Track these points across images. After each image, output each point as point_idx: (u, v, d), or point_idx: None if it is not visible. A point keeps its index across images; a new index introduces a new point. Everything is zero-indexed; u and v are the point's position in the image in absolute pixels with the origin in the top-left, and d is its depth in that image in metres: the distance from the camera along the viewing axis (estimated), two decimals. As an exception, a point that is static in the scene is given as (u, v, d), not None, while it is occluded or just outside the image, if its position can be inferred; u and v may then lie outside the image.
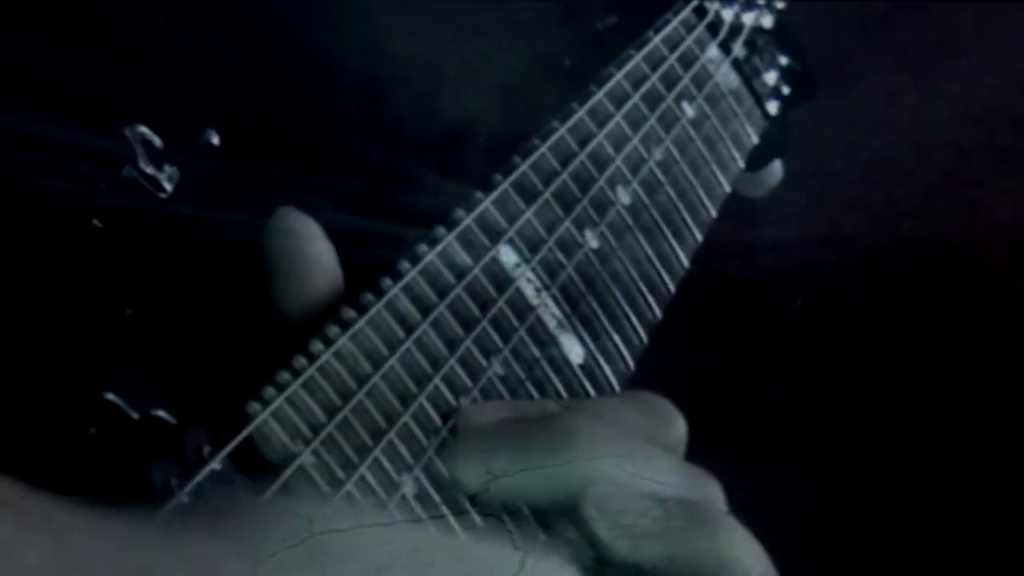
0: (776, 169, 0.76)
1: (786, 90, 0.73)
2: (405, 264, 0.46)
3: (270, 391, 0.40)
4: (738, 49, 0.69)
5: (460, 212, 0.49)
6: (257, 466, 0.39)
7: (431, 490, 0.42)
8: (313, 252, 0.45)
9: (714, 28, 0.68)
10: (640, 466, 0.42)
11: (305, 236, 0.45)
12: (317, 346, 0.42)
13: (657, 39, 0.62)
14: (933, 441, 1.02)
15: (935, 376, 1.03)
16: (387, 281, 0.45)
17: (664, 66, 0.62)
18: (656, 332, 0.54)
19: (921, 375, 1.04)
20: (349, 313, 0.43)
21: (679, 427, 0.46)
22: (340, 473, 0.40)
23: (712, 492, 0.44)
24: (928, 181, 1.08)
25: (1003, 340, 1.05)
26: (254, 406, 0.39)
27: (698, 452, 0.45)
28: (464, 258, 0.48)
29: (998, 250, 1.06)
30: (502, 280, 0.49)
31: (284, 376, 0.40)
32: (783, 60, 0.74)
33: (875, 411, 1.03)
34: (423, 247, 0.47)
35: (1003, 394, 1.03)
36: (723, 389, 0.96)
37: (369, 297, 0.44)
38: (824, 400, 1.01)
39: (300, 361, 0.41)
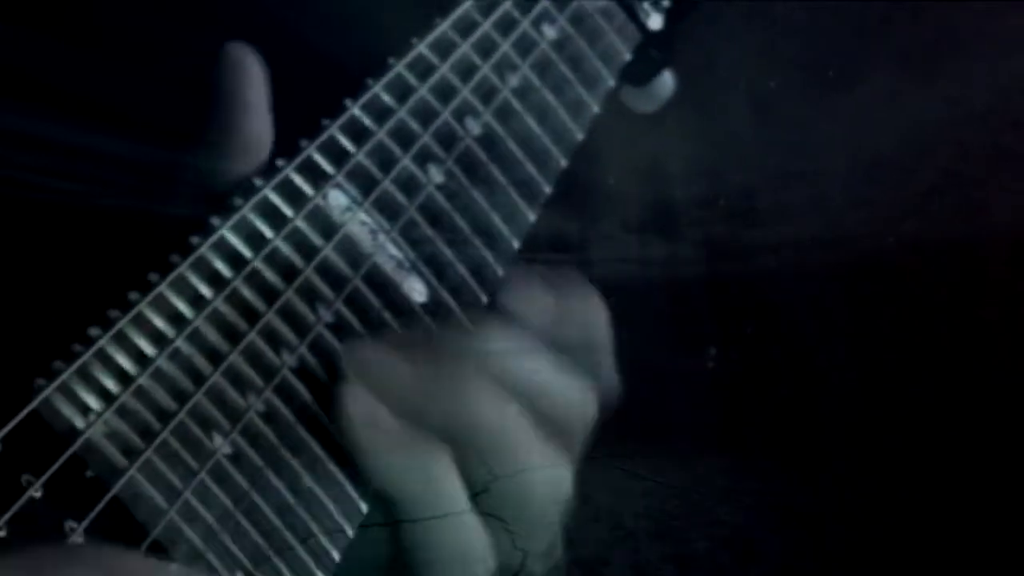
0: (667, 81, 0.72)
1: (667, 2, 0.68)
2: (215, 219, 0.44)
3: (58, 364, 0.38)
4: None
5: (280, 161, 0.47)
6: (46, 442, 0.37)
7: (249, 450, 0.41)
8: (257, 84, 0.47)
9: None
10: None
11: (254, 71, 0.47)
12: (114, 314, 0.40)
13: None
14: (934, 441, 1.02)
15: (935, 376, 1.03)
16: (195, 239, 0.43)
17: None
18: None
19: (921, 375, 1.03)
20: (152, 276, 0.42)
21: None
22: (137, 441, 0.38)
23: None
24: (929, 181, 1.08)
25: (1005, 340, 1.05)
26: (40, 381, 0.38)
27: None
28: (286, 209, 0.46)
29: (999, 250, 1.06)
30: (329, 227, 0.46)
31: (76, 347, 0.39)
32: None
33: (875, 411, 1.02)
34: (237, 199, 0.45)
35: (1004, 394, 1.03)
36: (723, 389, 0.96)
37: (175, 257, 0.42)
38: (824, 400, 1.01)
39: (94, 331, 0.39)
